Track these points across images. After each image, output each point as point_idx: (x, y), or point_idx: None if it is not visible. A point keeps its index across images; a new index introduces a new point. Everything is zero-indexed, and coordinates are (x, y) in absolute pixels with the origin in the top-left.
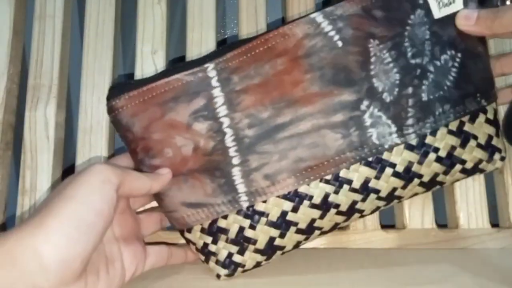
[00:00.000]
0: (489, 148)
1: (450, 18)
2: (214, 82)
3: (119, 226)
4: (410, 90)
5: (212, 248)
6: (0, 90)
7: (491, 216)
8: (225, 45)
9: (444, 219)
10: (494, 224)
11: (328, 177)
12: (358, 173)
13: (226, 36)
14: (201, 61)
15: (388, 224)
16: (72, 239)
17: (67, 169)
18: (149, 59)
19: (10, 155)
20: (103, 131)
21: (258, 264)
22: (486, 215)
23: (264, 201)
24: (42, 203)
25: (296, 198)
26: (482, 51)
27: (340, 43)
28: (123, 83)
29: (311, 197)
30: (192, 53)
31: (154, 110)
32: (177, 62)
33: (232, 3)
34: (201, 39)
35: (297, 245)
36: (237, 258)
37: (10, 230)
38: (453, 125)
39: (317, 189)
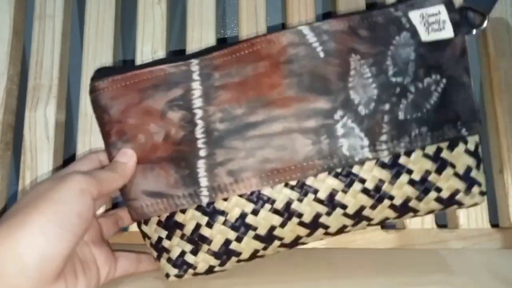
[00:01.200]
0: (467, 180)
1: (439, 43)
2: (195, 76)
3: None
4: (387, 106)
5: (166, 243)
6: (0, 91)
7: (491, 216)
8: (212, 46)
9: (444, 219)
10: (494, 224)
11: (293, 182)
12: (325, 184)
13: (226, 36)
14: (187, 57)
15: (388, 224)
16: (54, 237)
17: None
18: (149, 59)
19: (10, 155)
20: None
21: (211, 269)
22: (486, 215)
23: (225, 199)
24: (17, 206)
25: (259, 200)
26: (467, 82)
27: (322, 54)
28: (110, 67)
29: (273, 201)
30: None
31: (133, 96)
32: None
33: (232, 3)
34: (201, 39)
35: (254, 253)
36: (189, 258)
37: None
38: (430, 150)
39: (280, 194)
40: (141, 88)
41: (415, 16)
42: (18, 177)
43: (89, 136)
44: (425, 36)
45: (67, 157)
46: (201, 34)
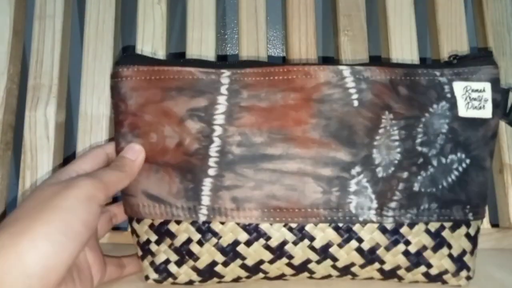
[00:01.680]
0: (459, 263)
1: (474, 120)
2: (223, 90)
3: None
4: (405, 174)
5: (153, 247)
6: (0, 90)
7: (491, 216)
8: (247, 60)
9: None
10: (494, 224)
11: (294, 225)
12: (323, 234)
13: (226, 36)
14: (219, 66)
15: None
16: (58, 246)
17: None
18: None
19: (10, 155)
20: (103, 131)
21: (190, 282)
22: (486, 215)
23: (222, 223)
24: (21, 210)
25: (254, 232)
26: (488, 167)
27: (356, 103)
28: (138, 55)
29: (269, 238)
30: (192, 53)
31: (155, 93)
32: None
33: (232, 3)
34: (201, 39)
35: (236, 279)
36: (172, 267)
37: None
38: (433, 226)
39: (278, 232)
40: (165, 87)
41: (458, 87)
42: (18, 177)
43: (89, 136)
44: (463, 111)
45: (67, 157)
46: (201, 34)
